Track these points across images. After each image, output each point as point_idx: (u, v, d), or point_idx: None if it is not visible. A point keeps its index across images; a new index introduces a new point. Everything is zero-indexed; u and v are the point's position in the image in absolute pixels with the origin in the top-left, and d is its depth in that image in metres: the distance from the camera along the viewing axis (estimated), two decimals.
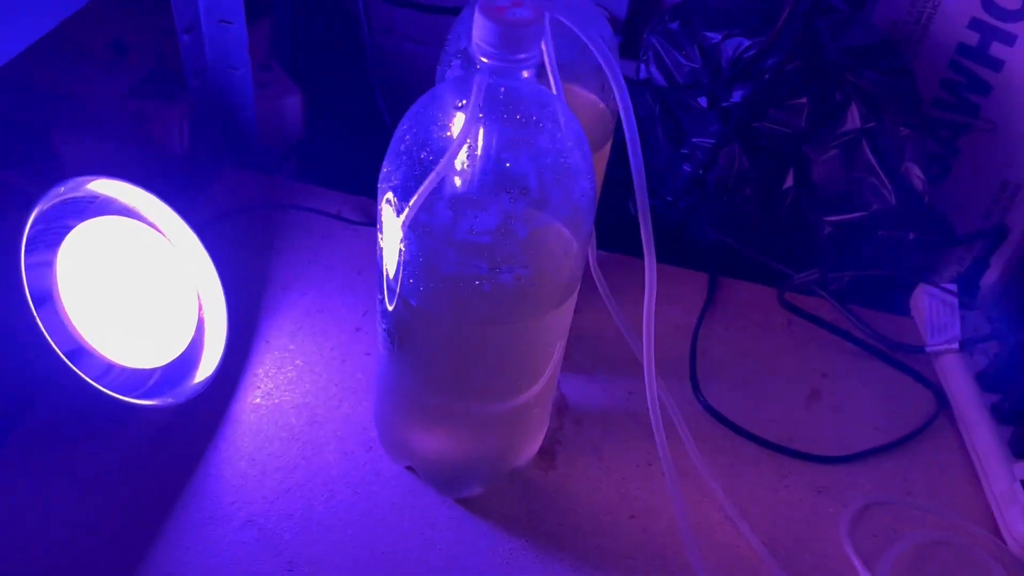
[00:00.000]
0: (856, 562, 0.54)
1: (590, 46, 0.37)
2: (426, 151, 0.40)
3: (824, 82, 0.68)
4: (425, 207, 0.40)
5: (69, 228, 0.54)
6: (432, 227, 0.40)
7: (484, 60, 0.37)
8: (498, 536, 0.54)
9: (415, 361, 0.47)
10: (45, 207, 0.51)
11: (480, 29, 0.37)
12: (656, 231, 0.76)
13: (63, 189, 0.52)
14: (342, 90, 0.93)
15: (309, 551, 0.52)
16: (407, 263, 0.42)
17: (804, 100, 0.68)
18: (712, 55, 0.73)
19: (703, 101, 0.75)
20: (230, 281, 0.62)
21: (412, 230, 0.40)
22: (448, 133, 0.40)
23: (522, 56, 0.37)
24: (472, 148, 0.39)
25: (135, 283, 0.57)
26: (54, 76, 0.72)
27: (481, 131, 0.39)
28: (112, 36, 0.73)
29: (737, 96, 0.72)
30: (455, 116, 0.40)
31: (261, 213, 0.73)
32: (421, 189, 0.39)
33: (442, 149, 0.39)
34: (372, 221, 0.74)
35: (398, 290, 0.44)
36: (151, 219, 0.59)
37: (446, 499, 0.55)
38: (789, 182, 0.72)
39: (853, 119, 0.68)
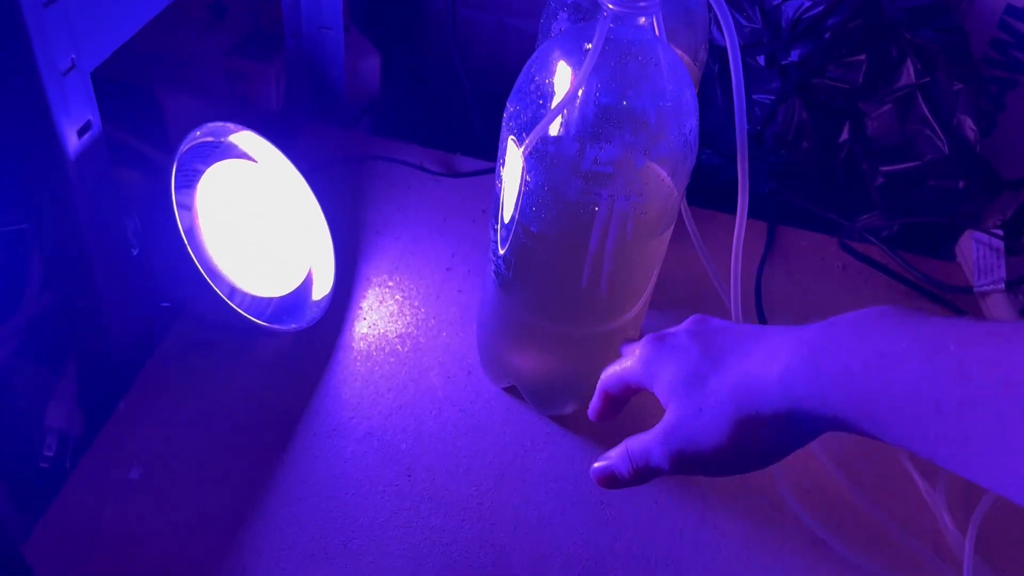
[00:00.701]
0: (915, 474, 0.59)
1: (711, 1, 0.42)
2: (552, 90, 0.45)
3: (881, 40, 0.72)
4: (553, 140, 0.45)
5: (199, 171, 0.60)
6: (559, 158, 0.45)
7: (610, 6, 0.42)
8: (590, 449, 0.59)
9: (526, 287, 0.53)
10: (184, 149, 0.57)
11: None
12: (715, 183, 0.82)
13: (199, 133, 0.58)
14: (411, 51, 0.98)
15: (424, 460, 0.57)
16: (530, 193, 0.47)
17: (863, 57, 0.73)
18: (773, 16, 0.77)
19: (761, 60, 0.80)
20: (330, 225, 0.67)
21: (540, 161, 0.46)
22: (572, 74, 0.45)
23: (643, 4, 0.42)
24: (595, 87, 0.44)
25: (255, 221, 0.62)
26: (156, 37, 0.77)
27: (602, 72, 0.44)
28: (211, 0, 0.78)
29: (795, 55, 0.77)
30: (579, 58, 0.45)
31: (351, 164, 0.79)
32: (545, 119, 0.44)
33: (566, 88, 0.45)
34: (452, 172, 0.79)
35: (515, 218, 0.49)
36: (266, 164, 0.64)
37: (542, 416, 0.61)
38: (845, 135, 0.77)
39: (908, 75, 0.72)
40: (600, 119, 0.44)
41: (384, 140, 0.82)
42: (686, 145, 0.46)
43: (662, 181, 0.47)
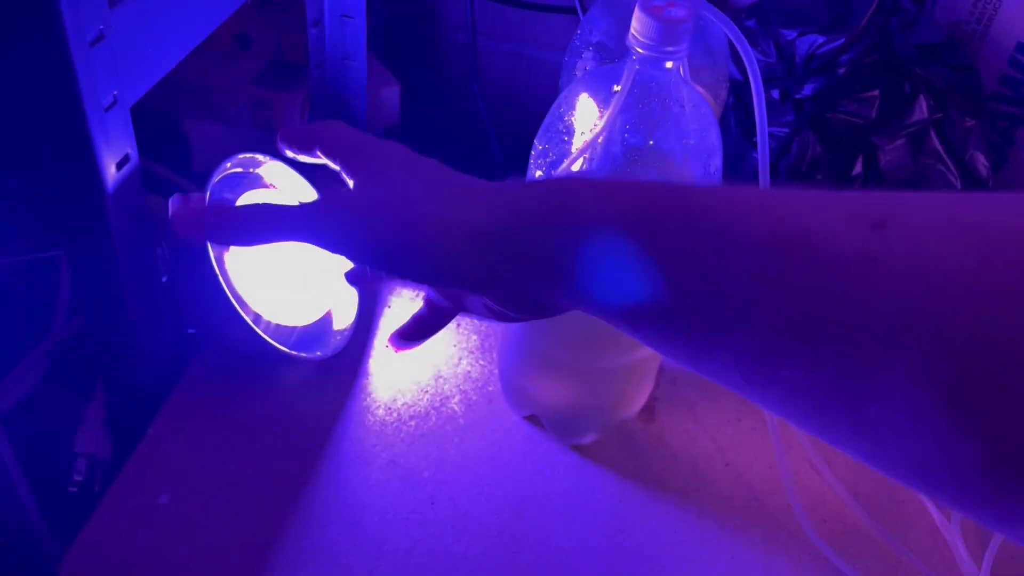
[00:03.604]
0: (930, 506, 0.60)
1: (734, 40, 0.44)
2: (579, 131, 0.46)
3: (895, 76, 0.74)
4: None
5: (228, 200, 0.61)
6: None
7: (640, 51, 0.44)
8: (609, 478, 0.60)
9: (550, 319, 0.54)
10: (216, 179, 0.58)
11: (640, 24, 0.43)
12: None
13: (229, 165, 0.59)
14: (430, 80, 1.00)
15: (447, 488, 0.58)
16: None
17: (876, 93, 0.74)
18: (787, 51, 0.79)
19: (775, 93, 0.81)
20: None
21: None
22: (600, 115, 0.46)
23: (672, 49, 0.44)
24: (623, 128, 0.46)
25: (278, 252, 0.64)
26: (183, 67, 0.79)
27: (631, 113, 0.46)
28: (236, 30, 0.80)
29: (808, 89, 0.78)
30: (606, 99, 0.46)
31: None
32: (574, 156, 0.46)
33: (593, 128, 0.46)
34: None
35: None
36: (292, 193, 0.65)
37: (562, 445, 0.61)
38: (858, 169, 0.78)
39: (921, 110, 0.74)
40: (628, 159, 0.46)
41: None
42: (712, 183, 0.48)
43: None
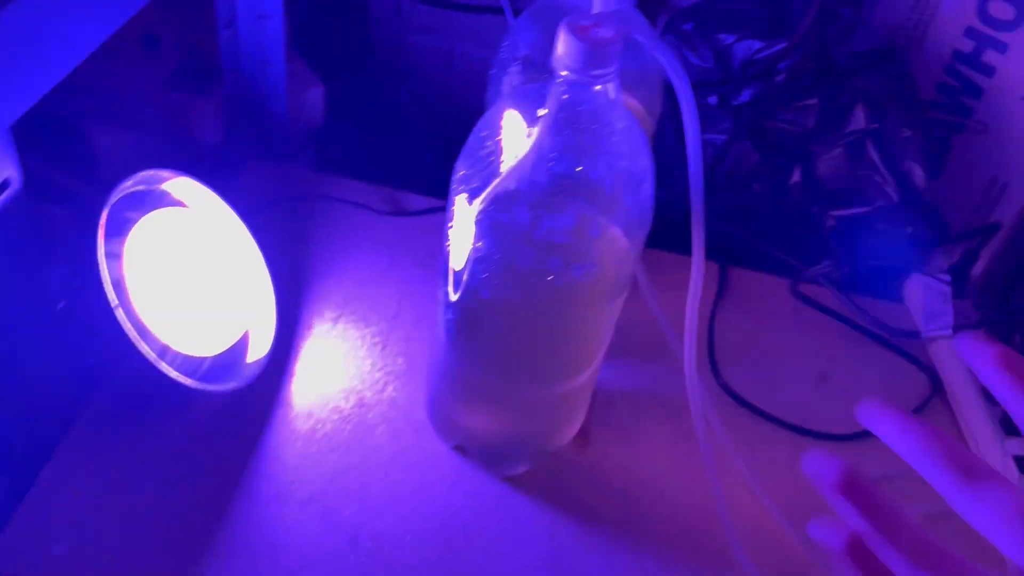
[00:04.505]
0: None
1: (663, 62, 0.41)
2: (503, 156, 0.43)
3: (832, 84, 0.72)
4: (505, 208, 0.43)
5: (130, 220, 0.57)
6: (512, 227, 0.43)
7: (565, 74, 0.41)
8: (542, 510, 0.58)
9: (478, 348, 0.51)
10: (114, 199, 0.54)
11: (565, 46, 0.40)
12: (664, 222, 0.81)
13: (130, 183, 0.55)
14: (357, 80, 0.96)
15: (370, 526, 0.55)
16: (482, 259, 0.45)
17: (814, 101, 0.72)
18: (724, 56, 0.77)
19: (712, 99, 0.79)
20: (271, 271, 0.64)
21: (493, 229, 0.44)
22: (525, 139, 0.43)
23: (600, 72, 0.41)
24: (549, 154, 0.43)
25: (190, 273, 0.59)
26: (86, 69, 0.74)
27: (557, 139, 0.42)
28: (143, 29, 0.75)
29: (746, 95, 0.76)
30: (531, 122, 0.43)
31: (292, 203, 0.76)
32: (494, 186, 0.43)
33: (518, 154, 0.43)
34: (400, 211, 0.77)
35: (466, 283, 0.47)
36: (202, 210, 0.61)
37: (492, 476, 0.59)
38: (795, 178, 0.76)
39: (858, 120, 0.72)
40: (554, 188, 0.43)
41: (327, 176, 0.80)
42: (643, 211, 0.45)
43: (618, 248, 0.45)
